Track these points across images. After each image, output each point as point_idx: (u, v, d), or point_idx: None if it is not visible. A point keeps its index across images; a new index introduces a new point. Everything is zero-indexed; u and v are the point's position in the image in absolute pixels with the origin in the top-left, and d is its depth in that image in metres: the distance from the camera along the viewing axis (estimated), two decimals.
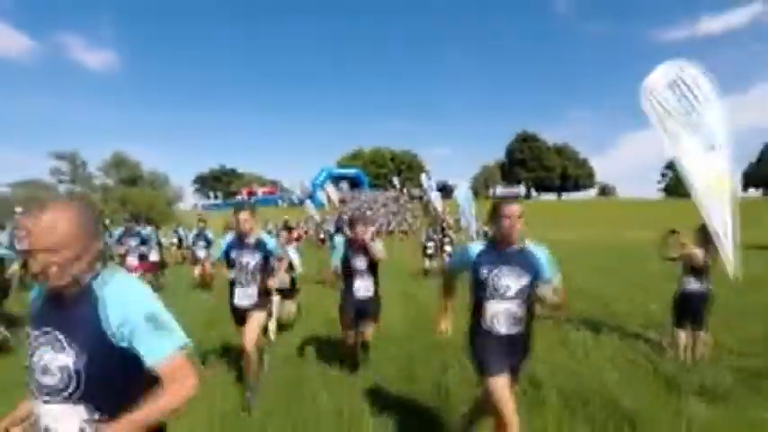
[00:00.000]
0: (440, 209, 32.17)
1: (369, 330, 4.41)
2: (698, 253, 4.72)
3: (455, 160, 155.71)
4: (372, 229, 4.11)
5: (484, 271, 2.50)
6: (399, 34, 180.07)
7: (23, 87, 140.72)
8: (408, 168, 66.76)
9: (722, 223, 4.53)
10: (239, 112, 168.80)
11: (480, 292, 2.52)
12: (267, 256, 3.94)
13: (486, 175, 72.22)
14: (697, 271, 4.77)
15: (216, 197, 71.46)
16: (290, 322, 6.10)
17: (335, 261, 4.37)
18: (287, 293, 6.04)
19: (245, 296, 3.88)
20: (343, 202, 41.76)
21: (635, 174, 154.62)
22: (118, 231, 8.80)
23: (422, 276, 11.21)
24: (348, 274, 4.28)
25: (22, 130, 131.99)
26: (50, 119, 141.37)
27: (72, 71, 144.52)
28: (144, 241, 8.07)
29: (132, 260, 7.71)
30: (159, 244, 9.29)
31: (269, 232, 20.47)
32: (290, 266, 5.94)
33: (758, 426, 3.21)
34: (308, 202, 31.93)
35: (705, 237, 4.70)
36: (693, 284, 4.78)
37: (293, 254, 6.24)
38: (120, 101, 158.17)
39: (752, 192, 64.62)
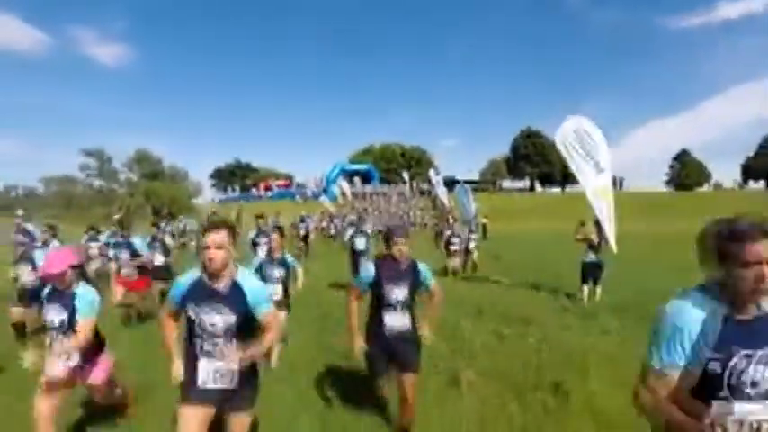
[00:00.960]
0: (446, 203, 35.05)
1: (409, 384, 3.08)
2: (593, 237, 7.56)
3: (462, 152, 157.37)
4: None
5: (719, 360, 1.40)
6: (408, 29, 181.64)
7: (36, 81, 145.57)
8: (417, 164, 69.56)
9: (606, 219, 7.37)
10: (251, 107, 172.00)
11: (709, 389, 1.43)
12: (247, 314, 2.33)
13: (494, 170, 74.62)
14: (594, 248, 7.60)
15: (233, 191, 74.69)
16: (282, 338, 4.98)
17: (360, 285, 3.21)
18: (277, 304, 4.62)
19: (214, 374, 2.30)
20: (364, 197, 44.38)
21: (645, 165, 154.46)
22: (104, 237, 7.68)
23: (445, 276, 10.46)
24: (377, 304, 3.16)
25: (35, 125, 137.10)
26: (64, 113, 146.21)
27: (84, 66, 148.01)
28: (136, 253, 6.61)
29: (128, 275, 6.55)
30: (164, 245, 7.79)
31: (279, 227, 21.51)
32: (286, 272, 4.89)
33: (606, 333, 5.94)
34: (322, 196, 34.82)
35: (598, 227, 7.53)
36: (591, 256, 7.61)
37: (293, 264, 5.08)
38: (134, 95, 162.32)
39: (752, 185, 65.97)
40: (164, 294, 7.98)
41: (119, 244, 6.76)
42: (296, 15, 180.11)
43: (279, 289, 4.70)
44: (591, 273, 7.60)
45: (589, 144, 7.41)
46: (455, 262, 10.98)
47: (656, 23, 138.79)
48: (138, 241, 6.77)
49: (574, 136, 7.45)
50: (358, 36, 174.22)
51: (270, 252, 4.87)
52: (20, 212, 15.74)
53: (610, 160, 7.45)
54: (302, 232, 16.44)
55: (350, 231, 14.46)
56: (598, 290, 7.61)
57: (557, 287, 8.74)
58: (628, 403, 1.65)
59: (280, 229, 5.06)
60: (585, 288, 7.65)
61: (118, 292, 6.36)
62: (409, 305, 3.14)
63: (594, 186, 7.38)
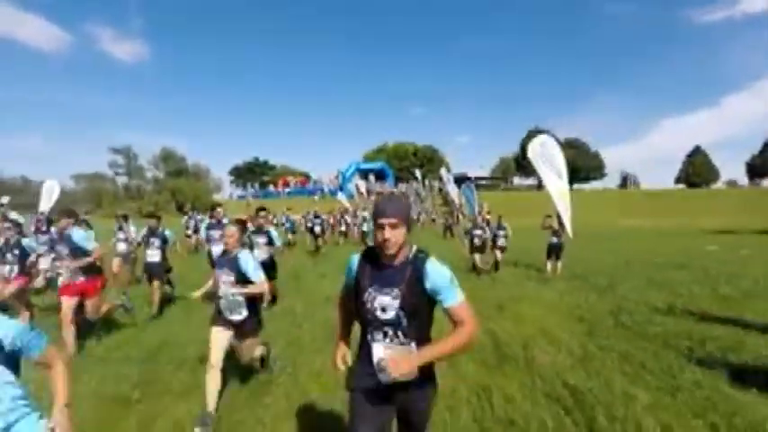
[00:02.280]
0: (456, 200, 37.43)
1: None
2: (555, 225, 10.12)
3: (475, 148, 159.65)
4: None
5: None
6: (424, 27, 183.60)
7: (56, 78, 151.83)
8: (429, 162, 72.22)
9: (565, 213, 9.90)
10: (268, 105, 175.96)
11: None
12: None
13: (504, 167, 76.76)
14: (556, 233, 10.15)
15: (252, 188, 77.86)
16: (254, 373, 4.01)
17: (345, 289, 2.17)
18: (246, 327, 3.56)
19: None
20: (380, 194, 46.67)
21: (662, 162, 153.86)
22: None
23: (471, 272, 10.47)
24: (361, 324, 1.99)
25: (56, 121, 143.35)
26: (84, 110, 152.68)
27: (103, 62, 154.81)
28: (77, 248, 4.93)
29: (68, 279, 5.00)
30: (164, 240, 6.95)
31: (287, 223, 20.97)
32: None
33: (567, 295, 8.50)
34: (339, 193, 37.47)
35: (559, 218, 10.08)
36: (554, 239, 10.16)
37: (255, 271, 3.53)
38: (152, 92, 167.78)
39: (755, 183, 66.66)
40: (163, 298, 6.76)
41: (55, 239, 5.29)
42: (311, 14, 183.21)
43: (240, 306, 3.48)
44: (554, 252, 10.16)
45: (551, 156, 9.94)
46: (479, 258, 10.51)
47: (678, 18, 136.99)
48: (77, 233, 5.03)
49: (540, 150, 9.99)
50: (373, 34, 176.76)
51: (224, 251, 3.59)
52: (4, 200, 14.11)
53: (566, 170, 10.00)
54: (317, 229, 15.96)
55: (370, 224, 13.87)
56: (559, 265, 10.16)
57: (531, 264, 11.33)
58: (538, 315, 3.95)
59: (240, 222, 3.78)
60: (549, 263, 10.21)
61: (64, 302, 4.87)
62: (408, 329, 1.86)
63: (556, 188, 9.91)
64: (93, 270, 5.12)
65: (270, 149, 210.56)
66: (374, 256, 1.95)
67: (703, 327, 5.47)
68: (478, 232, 10.67)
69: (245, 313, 3.48)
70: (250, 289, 3.49)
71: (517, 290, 8.16)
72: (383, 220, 1.79)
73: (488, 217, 13.39)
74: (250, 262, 3.53)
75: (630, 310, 6.38)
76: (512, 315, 6.18)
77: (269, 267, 6.19)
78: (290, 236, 18.89)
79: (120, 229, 8.64)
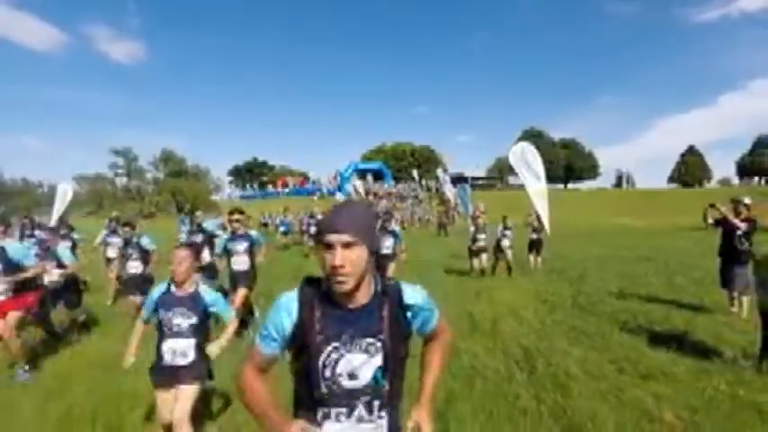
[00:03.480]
0: (452, 200, 38.54)
1: None
2: (535, 222, 11.23)
3: (476, 148, 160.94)
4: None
5: None
6: (425, 27, 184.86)
7: (52, 78, 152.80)
8: (426, 161, 73.38)
9: (543, 211, 11.02)
10: (266, 105, 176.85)
11: None
12: None
13: (500, 167, 77.95)
14: (536, 229, 11.26)
15: (252, 188, 78.79)
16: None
17: (264, 347, 1.34)
18: (190, 373, 2.82)
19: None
20: (376, 195, 47.83)
21: (659, 162, 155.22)
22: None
23: (463, 267, 10.89)
24: (307, 396, 1.28)
25: (52, 121, 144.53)
26: (81, 110, 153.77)
27: (99, 63, 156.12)
28: (10, 262, 4.43)
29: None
30: (141, 250, 6.24)
31: (283, 225, 19.67)
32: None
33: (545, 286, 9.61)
34: (338, 193, 38.62)
35: (538, 216, 11.20)
36: (534, 235, 11.26)
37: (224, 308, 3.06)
38: (149, 93, 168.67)
39: (746, 182, 68.02)
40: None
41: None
42: (311, 14, 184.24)
43: (188, 342, 2.82)
44: (534, 247, 11.28)
45: (530, 161, 11.07)
46: (482, 261, 10.11)
47: (675, 17, 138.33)
48: (12, 246, 4.57)
49: (521, 154, 11.11)
50: (375, 34, 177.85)
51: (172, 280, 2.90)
52: None
53: (544, 173, 11.13)
54: (313, 230, 14.70)
55: None
56: (539, 259, 11.27)
57: (517, 259, 12.44)
58: (511, 299, 4.98)
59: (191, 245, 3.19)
60: (531, 257, 11.33)
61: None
62: (390, 393, 1.30)
63: (535, 189, 11.03)
64: (24, 286, 4.52)
65: (269, 150, 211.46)
66: (327, 296, 1.29)
67: (643, 306, 6.60)
68: (482, 244, 10.15)
69: (192, 356, 2.80)
70: (225, 337, 2.99)
71: (499, 281, 9.28)
72: (332, 237, 1.18)
73: (484, 216, 13.18)
74: (216, 296, 3.00)
75: (589, 294, 7.49)
76: (488, 299, 7.29)
77: (249, 277, 5.69)
78: (287, 237, 19.06)
79: (114, 232, 7.84)
